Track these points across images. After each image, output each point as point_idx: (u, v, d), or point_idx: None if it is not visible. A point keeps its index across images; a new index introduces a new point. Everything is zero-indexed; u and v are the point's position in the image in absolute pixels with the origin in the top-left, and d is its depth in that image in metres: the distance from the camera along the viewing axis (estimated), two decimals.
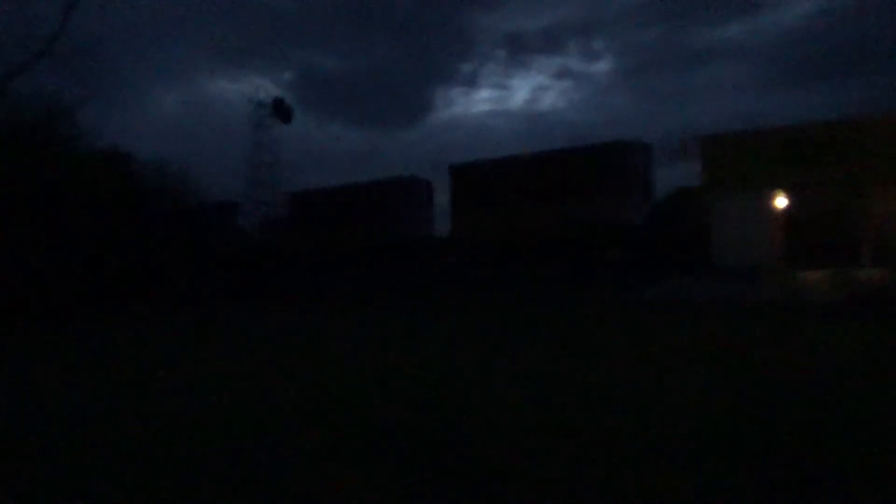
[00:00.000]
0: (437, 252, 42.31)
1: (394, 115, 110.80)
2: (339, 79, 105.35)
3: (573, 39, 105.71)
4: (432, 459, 4.55)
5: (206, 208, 55.58)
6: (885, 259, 20.97)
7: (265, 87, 60.15)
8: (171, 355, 10.47)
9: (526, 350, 9.36)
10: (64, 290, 19.96)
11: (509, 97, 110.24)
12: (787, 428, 5.03)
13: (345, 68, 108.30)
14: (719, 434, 4.94)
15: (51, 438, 5.57)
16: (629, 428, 5.15)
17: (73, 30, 21.18)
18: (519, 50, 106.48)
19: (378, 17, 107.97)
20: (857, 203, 23.47)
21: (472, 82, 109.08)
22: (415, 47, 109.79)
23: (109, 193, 22.95)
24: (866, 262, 22.42)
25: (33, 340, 13.48)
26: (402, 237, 43.46)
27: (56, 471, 4.68)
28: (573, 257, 31.53)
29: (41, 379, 8.72)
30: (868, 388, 6.32)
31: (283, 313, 18.32)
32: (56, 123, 22.29)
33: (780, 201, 24.11)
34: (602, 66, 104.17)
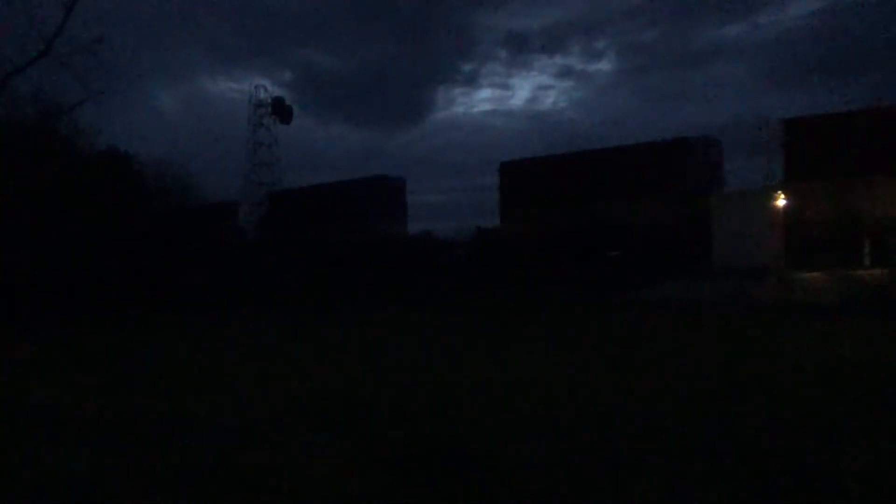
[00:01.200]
0: None
1: (394, 115, 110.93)
2: (339, 79, 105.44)
3: (575, 39, 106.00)
4: (432, 459, 4.55)
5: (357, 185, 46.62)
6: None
7: (265, 86, 59.98)
8: (169, 355, 10.48)
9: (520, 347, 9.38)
10: (63, 290, 19.96)
11: (510, 97, 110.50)
12: (786, 426, 5.03)
13: (345, 68, 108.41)
14: (716, 433, 4.94)
15: (34, 434, 5.57)
16: (627, 429, 5.15)
17: (73, 30, 21.17)
18: (520, 49, 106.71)
19: (379, 17, 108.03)
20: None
21: (473, 82, 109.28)
22: (416, 47, 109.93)
23: (109, 193, 22.95)
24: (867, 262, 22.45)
25: (30, 340, 13.47)
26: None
27: (44, 467, 4.68)
28: None
29: (31, 374, 8.71)
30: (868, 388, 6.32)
31: None
32: (56, 123, 22.28)
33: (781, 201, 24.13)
34: (603, 66, 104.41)
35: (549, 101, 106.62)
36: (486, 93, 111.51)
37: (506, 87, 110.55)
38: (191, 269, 28.36)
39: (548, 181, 38.60)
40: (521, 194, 39.95)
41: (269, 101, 57.33)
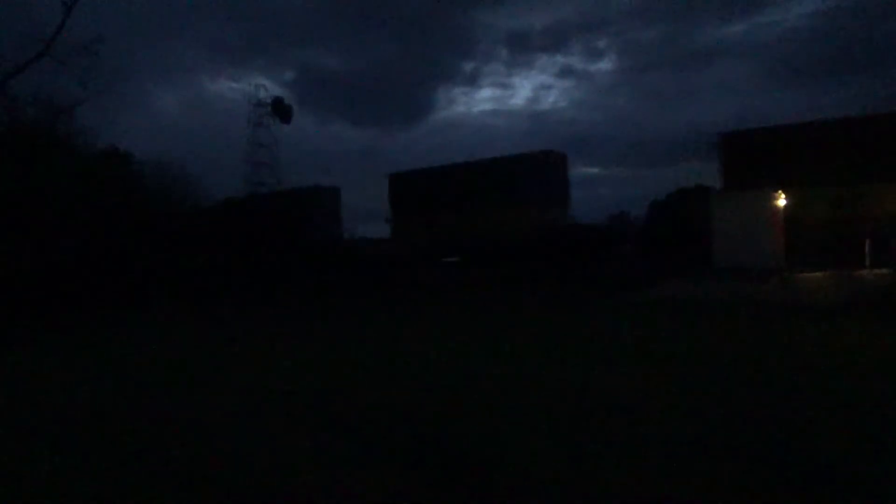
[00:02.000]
0: None
1: (395, 115, 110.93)
2: (340, 78, 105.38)
3: (576, 38, 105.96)
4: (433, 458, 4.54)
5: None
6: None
7: (265, 86, 59.93)
8: (165, 352, 10.46)
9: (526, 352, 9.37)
10: (59, 288, 19.96)
11: (511, 96, 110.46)
12: (785, 426, 5.02)
13: (345, 68, 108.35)
14: (715, 432, 4.93)
15: (50, 435, 5.56)
16: (628, 426, 5.14)
17: (73, 29, 21.19)
18: (521, 49, 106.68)
19: (379, 16, 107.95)
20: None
21: (473, 81, 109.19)
22: (416, 46, 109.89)
23: (109, 193, 22.96)
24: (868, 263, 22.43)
25: (30, 339, 13.45)
26: None
27: (51, 468, 4.67)
28: None
29: (47, 375, 8.70)
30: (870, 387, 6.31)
31: None
32: (56, 123, 22.29)
33: (781, 201, 24.11)
34: (604, 65, 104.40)
35: (549, 100, 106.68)
36: (486, 92, 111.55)
37: (506, 86, 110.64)
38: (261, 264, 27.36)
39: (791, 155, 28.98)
40: (744, 172, 30.25)
41: (269, 100, 57.31)
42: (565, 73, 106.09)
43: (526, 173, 38.24)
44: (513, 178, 38.62)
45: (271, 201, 45.18)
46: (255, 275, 27.64)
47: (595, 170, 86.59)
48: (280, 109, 57.28)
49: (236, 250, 28.31)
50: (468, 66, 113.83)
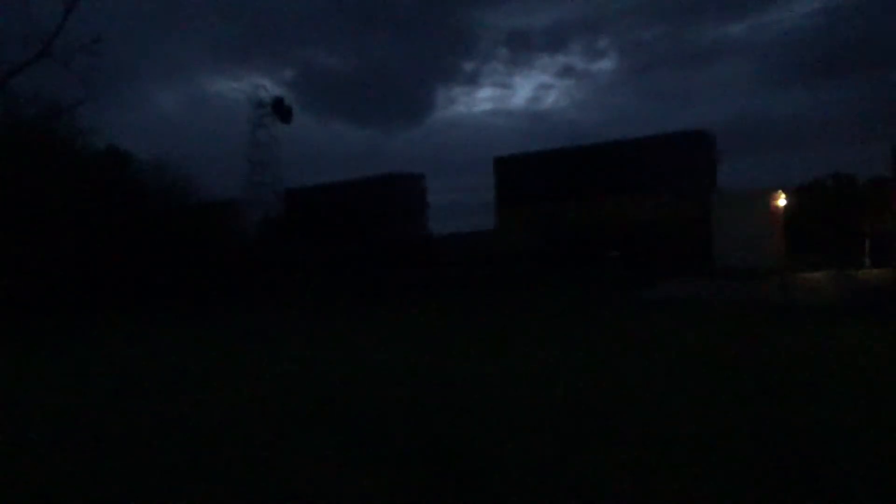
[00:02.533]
0: None
1: (395, 115, 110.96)
2: (340, 78, 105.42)
3: (576, 37, 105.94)
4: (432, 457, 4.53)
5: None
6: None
7: (265, 86, 59.86)
8: (167, 355, 10.45)
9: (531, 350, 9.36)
10: (60, 288, 19.94)
11: (511, 96, 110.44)
12: (786, 426, 5.01)
13: (345, 67, 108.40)
14: (716, 433, 4.92)
15: (50, 436, 5.56)
16: (627, 426, 5.13)
17: (73, 29, 21.18)
18: (521, 48, 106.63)
19: (379, 16, 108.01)
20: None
21: (474, 81, 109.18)
22: (416, 46, 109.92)
23: (109, 193, 22.95)
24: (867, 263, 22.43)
25: (30, 340, 13.45)
26: None
27: (52, 468, 4.66)
28: None
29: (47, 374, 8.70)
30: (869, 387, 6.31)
31: None
32: (56, 123, 22.27)
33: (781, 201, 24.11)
34: (605, 65, 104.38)
35: (550, 100, 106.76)
36: (486, 92, 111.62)
37: (507, 86, 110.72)
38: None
39: None
40: None
41: (269, 100, 57.19)
42: (566, 72, 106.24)
43: (671, 156, 32.33)
44: (659, 162, 32.36)
45: (341, 193, 42.06)
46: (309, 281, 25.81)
47: None
48: (280, 110, 57.17)
49: (290, 250, 27.07)
50: (468, 66, 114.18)
